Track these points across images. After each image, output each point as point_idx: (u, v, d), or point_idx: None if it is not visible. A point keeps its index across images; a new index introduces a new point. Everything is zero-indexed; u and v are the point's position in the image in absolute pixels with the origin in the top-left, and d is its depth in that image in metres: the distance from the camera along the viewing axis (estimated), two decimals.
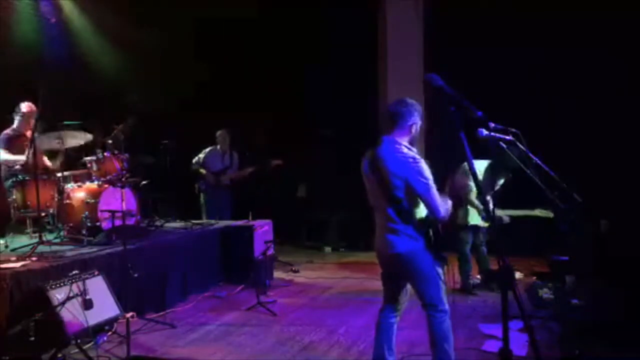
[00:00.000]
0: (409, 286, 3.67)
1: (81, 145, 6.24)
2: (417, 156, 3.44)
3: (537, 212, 5.50)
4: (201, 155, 8.24)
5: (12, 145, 6.02)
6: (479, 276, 6.27)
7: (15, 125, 6.14)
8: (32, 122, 5.92)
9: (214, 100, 8.93)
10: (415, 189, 3.36)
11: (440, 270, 3.50)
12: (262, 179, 8.56)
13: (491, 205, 5.60)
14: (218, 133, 8.29)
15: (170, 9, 8.53)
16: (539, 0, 7.33)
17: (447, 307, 3.50)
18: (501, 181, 5.90)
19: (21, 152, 5.88)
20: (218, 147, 8.29)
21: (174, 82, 8.50)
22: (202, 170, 8.18)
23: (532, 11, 7.30)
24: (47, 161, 6.27)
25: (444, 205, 3.39)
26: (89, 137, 6.13)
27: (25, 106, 6.08)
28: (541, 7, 7.27)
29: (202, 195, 8.25)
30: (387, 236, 3.50)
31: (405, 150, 3.45)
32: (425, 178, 3.36)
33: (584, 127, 7.09)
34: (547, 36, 7.26)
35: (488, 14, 7.50)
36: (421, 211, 3.49)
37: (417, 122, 3.54)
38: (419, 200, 3.42)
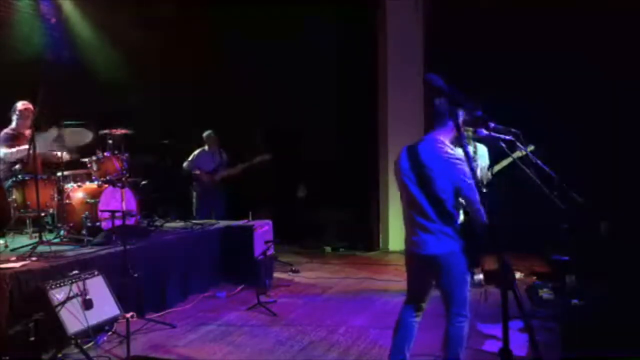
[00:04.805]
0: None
1: (81, 145, 6.22)
2: (462, 157, 3.35)
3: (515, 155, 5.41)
4: (190, 158, 8.36)
5: (13, 144, 6.02)
6: (481, 275, 6.26)
7: (14, 125, 6.14)
8: (30, 121, 5.93)
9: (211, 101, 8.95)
10: (462, 190, 3.30)
11: (468, 276, 3.45)
12: (261, 177, 8.57)
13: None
14: (205, 134, 8.39)
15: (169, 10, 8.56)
16: (539, 2, 7.34)
17: (468, 312, 3.47)
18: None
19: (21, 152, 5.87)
20: (206, 147, 8.40)
21: (172, 81, 8.53)
22: (197, 171, 8.28)
23: (532, 12, 7.31)
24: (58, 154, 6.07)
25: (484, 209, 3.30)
26: (90, 136, 6.11)
27: (20, 105, 6.09)
28: (541, 8, 7.27)
29: (194, 196, 8.32)
30: (425, 236, 3.41)
31: (450, 150, 3.38)
32: (471, 180, 3.29)
33: (583, 128, 7.08)
34: (547, 37, 7.26)
35: (488, 15, 7.50)
36: (460, 213, 3.42)
37: (460, 122, 3.43)
38: (460, 202, 3.36)
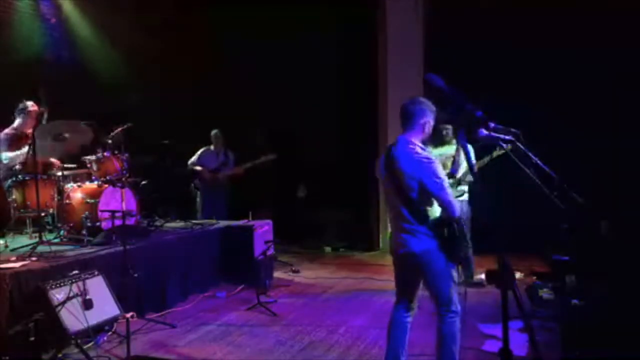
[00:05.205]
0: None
1: (82, 145, 6.22)
2: (431, 156, 3.47)
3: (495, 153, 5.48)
4: (195, 158, 8.40)
5: (14, 145, 5.99)
6: (483, 275, 6.25)
7: (16, 124, 6.09)
8: (35, 121, 5.91)
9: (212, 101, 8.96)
10: (429, 189, 3.38)
11: (454, 272, 3.50)
12: (261, 177, 8.57)
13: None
14: (212, 133, 8.43)
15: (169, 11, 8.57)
16: (539, 2, 7.34)
17: (458, 308, 3.51)
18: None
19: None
20: (212, 147, 8.45)
21: (172, 81, 8.54)
22: (198, 167, 8.33)
23: (532, 12, 7.31)
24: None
25: (458, 205, 3.42)
26: (90, 135, 6.09)
27: (31, 106, 6.05)
28: (541, 8, 7.27)
29: (198, 194, 8.37)
30: (402, 236, 3.50)
31: (420, 150, 3.47)
32: (439, 178, 3.38)
33: (583, 128, 7.08)
34: (547, 37, 7.25)
35: (488, 15, 7.49)
36: (435, 211, 3.49)
37: (430, 121, 3.57)
38: (433, 200, 3.44)
